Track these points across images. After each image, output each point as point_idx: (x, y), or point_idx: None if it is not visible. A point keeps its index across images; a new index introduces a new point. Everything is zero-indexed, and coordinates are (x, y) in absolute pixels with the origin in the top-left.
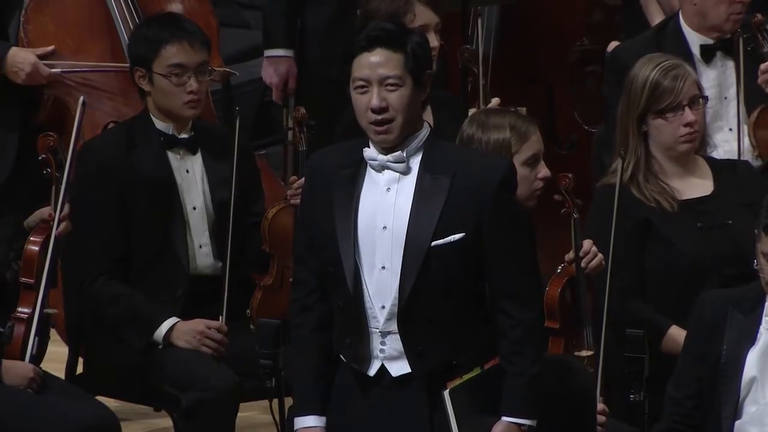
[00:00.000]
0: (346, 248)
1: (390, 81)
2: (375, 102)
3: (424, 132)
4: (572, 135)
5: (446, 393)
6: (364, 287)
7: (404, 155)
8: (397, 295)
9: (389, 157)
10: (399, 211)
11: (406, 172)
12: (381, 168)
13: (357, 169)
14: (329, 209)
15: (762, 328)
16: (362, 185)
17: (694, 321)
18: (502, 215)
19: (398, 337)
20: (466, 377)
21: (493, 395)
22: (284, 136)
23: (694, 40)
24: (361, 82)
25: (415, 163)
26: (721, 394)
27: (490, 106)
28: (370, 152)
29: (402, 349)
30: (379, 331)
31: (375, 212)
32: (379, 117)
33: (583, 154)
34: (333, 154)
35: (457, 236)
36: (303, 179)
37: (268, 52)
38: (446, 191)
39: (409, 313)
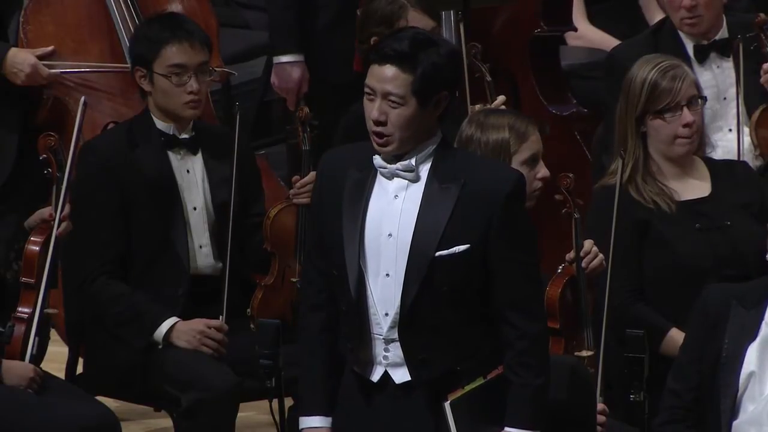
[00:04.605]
0: (351, 254)
1: (391, 98)
2: (375, 114)
3: (435, 140)
4: (543, 123)
5: (447, 405)
6: (369, 294)
7: (413, 164)
8: (399, 303)
9: (398, 165)
10: (405, 219)
11: (415, 180)
12: (391, 175)
13: (368, 174)
14: (338, 212)
15: (764, 323)
16: (371, 191)
17: (696, 314)
18: (510, 226)
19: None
20: (467, 388)
21: (495, 406)
22: (287, 135)
23: (688, 40)
24: (369, 90)
25: (425, 171)
26: (720, 388)
27: (495, 104)
28: (380, 160)
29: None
30: (383, 338)
31: (381, 219)
32: (378, 129)
33: (557, 141)
34: (346, 154)
35: (462, 247)
36: (307, 178)
37: (277, 59)
38: (454, 200)
39: (411, 321)
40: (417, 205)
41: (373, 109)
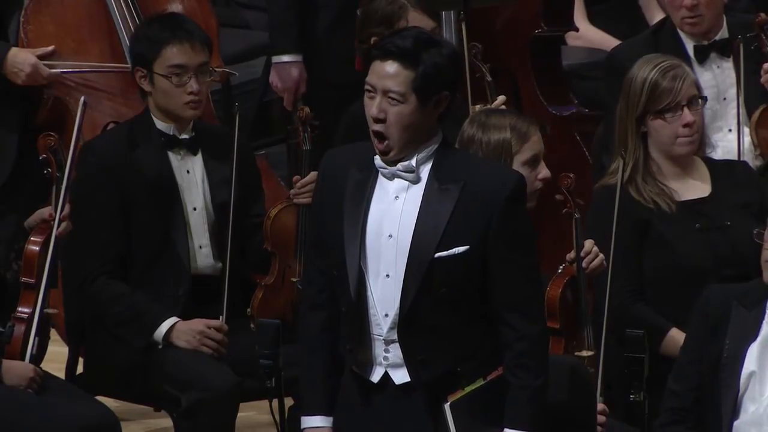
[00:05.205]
0: (351, 254)
1: (391, 95)
2: (374, 111)
3: (436, 141)
4: (544, 123)
5: (447, 406)
6: (369, 294)
7: (413, 164)
8: (399, 304)
9: (399, 166)
10: (405, 220)
11: (415, 181)
12: (391, 176)
13: (369, 174)
14: (338, 212)
15: (764, 323)
16: (372, 192)
17: (697, 315)
18: (510, 228)
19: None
20: (468, 389)
21: (495, 407)
22: (287, 135)
23: (688, 40)
24: (369, 87)
25: (425, 172)
26: (721, 388)
27: (495, 104)
28: (380, 161)
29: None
30: (383, 339)
31: (382, 220)
32: (377, 127)
33: (557, 141)
34: (347, 154)
35: (462, 248)
36: (307, 178)
37: (276, 59)
38: (454, 201)
39: (410, 322)
40: (417, 206)
41: (372, 107)
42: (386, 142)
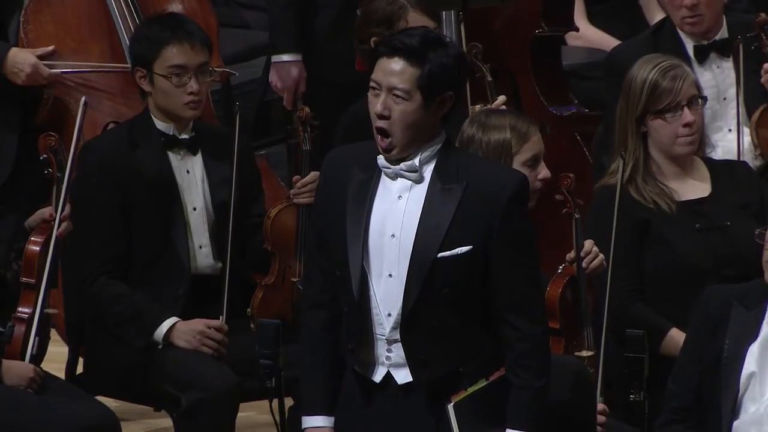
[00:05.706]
0: (354, 254)
1: (396, 92)
2: (378, 107)
3: (439, 141)
4: (544, 123)
5: (450, 407)
6: (372, 294)
7: (417, 164)
8: (402, 304)
9: (402, 165)
10: (408, 219)
11: (418, 180)
12: (394, 176)
13: (372, 174)
14: (341, 212)
15: (764, 323)
16: (375, 191)
17: (697, 315)
18: (512, 228)
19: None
20: (470, 390)
21: (497, 407)
22: (287, 135)
23: (688, 40)
24: (374, 84)
25: (428, 171)
26: (721, 388)
27: (495, 104)
28: (383, 160)
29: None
30: (385, 339)
31: (385, 219)
32: (380, 124)
33: (557, 142)
34: (350, 154)
35: (465, 249)
36: (307, 178)
37: (276, 58)
38: (457, 202)
39: (413, 322)
40: (420, 206)
41: (377, 103)
42: (389, 139)
